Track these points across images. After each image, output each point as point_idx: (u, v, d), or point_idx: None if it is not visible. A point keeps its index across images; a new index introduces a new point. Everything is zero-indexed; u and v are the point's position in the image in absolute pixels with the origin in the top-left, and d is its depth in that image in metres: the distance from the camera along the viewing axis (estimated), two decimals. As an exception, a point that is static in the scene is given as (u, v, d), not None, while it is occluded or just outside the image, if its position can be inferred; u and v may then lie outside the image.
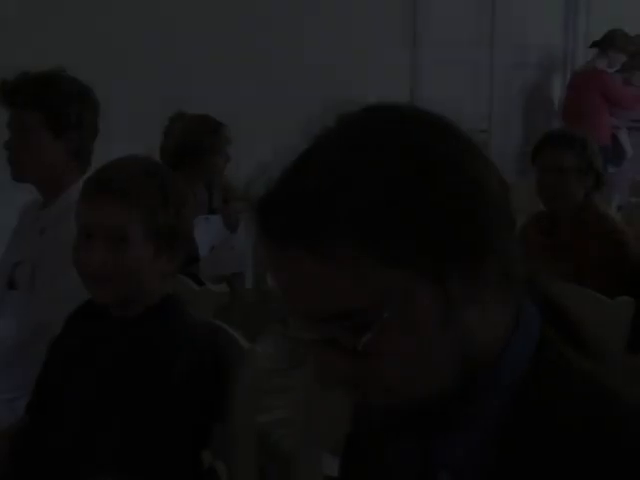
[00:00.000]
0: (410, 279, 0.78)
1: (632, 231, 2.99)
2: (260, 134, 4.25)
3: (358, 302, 0.79)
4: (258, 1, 4.84)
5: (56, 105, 2.22)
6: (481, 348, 0.83)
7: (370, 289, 0.78)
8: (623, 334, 2.15)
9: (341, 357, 0.82)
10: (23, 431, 1.75)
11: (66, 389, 1.66)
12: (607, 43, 5.78)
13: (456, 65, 5.60)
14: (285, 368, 2.78)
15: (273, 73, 4.88)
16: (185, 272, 2.37)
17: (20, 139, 2.26)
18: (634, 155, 5.93)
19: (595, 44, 5.87)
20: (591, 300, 2.23)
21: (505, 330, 0.86)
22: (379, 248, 0.77)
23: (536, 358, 0.85)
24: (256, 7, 4.83)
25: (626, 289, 2.57)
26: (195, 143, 3.47)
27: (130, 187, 1.58)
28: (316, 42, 5.00)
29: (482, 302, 0.82)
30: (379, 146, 0.80)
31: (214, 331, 1.72)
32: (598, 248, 2.85)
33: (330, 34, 5.05)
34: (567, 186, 2.92)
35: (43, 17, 4.03)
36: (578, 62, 6.11)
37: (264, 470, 2.26)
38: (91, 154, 2.33)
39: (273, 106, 4.73)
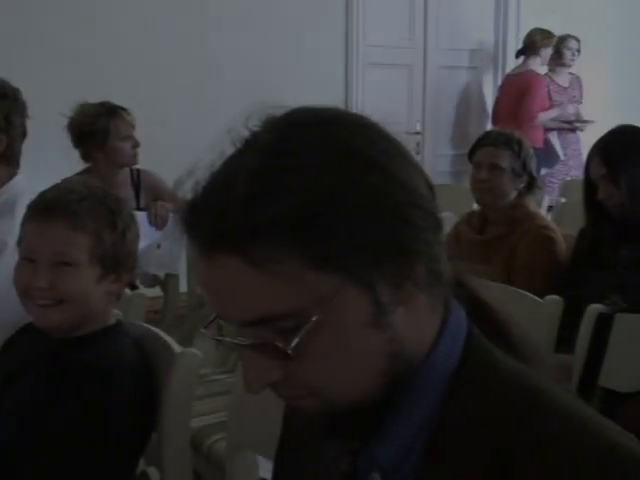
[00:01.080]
0: (339, 282, 0.79)
1: (561, 231, 3.06)
2: (190, 136, 4.23)
3: (287, 305, 0.79)
4: (194, 1, 4.82)
5: None
6: (410, 350, 0.84)
7: (299, 292, 0.78)
8: (552, 333, 2.19)
9: (271, 361, 0.82)
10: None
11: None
12: (529, 48, 5.89)
13: (389, 68, 5.64)
14: (220, 372, 2.77)
15: (204, 72, 4.86)
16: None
17: None
18: (566, 156, 6.04)
19: (519, 53, 5.98)
20: (521, 299, 2.26)
21: (433, 331, 0.87)
22: (307, 251, 0.77)
23: (463, 358, 0.86)
24: (192, 7, 4.81)
25: (555, 288, 2.62)
26: (91, 128, 3.45)
27: (76, 210, 1.56)
28: (249, 44, 4.99)
29: (411, 304, 0.83)
30: (304, 150, 0.80)
31: (145, 346, 1.70)
32: (528, 247, 2.89)
33: (264, 36, 5.05)
34: (501, 185, 2.97)
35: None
36: (510, 64, 6.20)
37: (199, 475, 2.25)
38: (19, 156, 2.29)
39: (204, 106, 4.71)
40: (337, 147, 0.81)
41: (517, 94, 5.80)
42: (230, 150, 0.83)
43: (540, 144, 5.83)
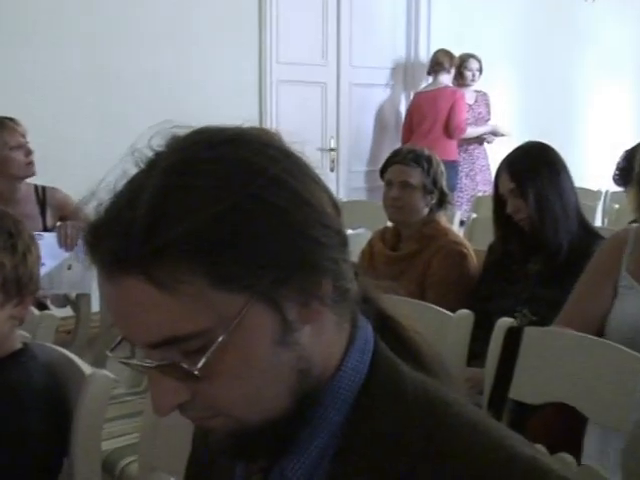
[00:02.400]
0: (245, 302, 0.79)
1: (473, 246, 3.11)
2: (99, 154, 4.18)
3: (193, 326, 0.78)
4: (101, 15, 4.75)
5: None
6: (318, 367, 0.85)
7: (205, 313, 0.78)
8: (463, 347, 2.22)
9: (178, 382, 0.81)
10: None
11: None
12: (438, 66, 6.01)
13: (303, 85, 5.67)
14: (133, 392, 2.73)
15: (114, 88, 4.80)
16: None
17: None
18: (473, 172, 6.16)
19: (430, 70, 6.09)
20: (432, 314, 2.29)
21: (341, 348, 0.87)
22: (211, 272, 0.77)
23: (370, 374, 0.87)
24: (99, 23, 4.74)
25: (467, 302, 2.66)
26: None
27: None
28: (161, 60, 4.95)
29: (318, 322, 0.84)
30: (207, 169, 0.80)
31: (55, 369, 1.67)
32: (440, 263, 2.93)
33: (176, 53, 5.02)
34: (412, 202, 2.99)
35: None
36: (423, 82, 6.30)
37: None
38: None
39: (113, 124, 4.65)
40: (240, 166, 0.81)
41: (434, 109, 5.90)
42: (133, 170, 0.83)
43: (456, 157, 5.94)
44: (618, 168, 3.47)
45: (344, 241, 0.86)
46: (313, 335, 0.83)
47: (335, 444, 0.85)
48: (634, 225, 2.32)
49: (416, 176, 2.98)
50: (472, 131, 6.11)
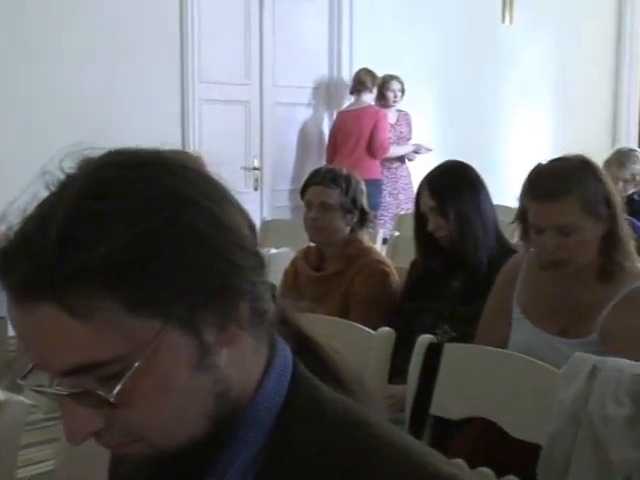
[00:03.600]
0: (161, 327, 0.78)
1: (396, 264, 3.14)
2: (15, 175, 4.10)
3: (108, 352, 0.77)
4: (22, 31, 4.68)
5: None
6: (236, 389, 0.84)
7: (119, 339, 0.77)
8: (385, 364, 2.24)
9: (93, 409, 0.80)
10: None
11: None
12: (360, 85, 6.07)
13: (226, 104, 5.66)
14: (51, 418, 2.68)
15: (33, 105, 4.72)
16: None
17: None
18: (396, 190, 6.22)
19: (353, 90, 6.15)
20: (354, 332, 2.30)
21: (260, 370, 0.87)
22: (125, 297, 0.76)
23: (289, 395, 0.87)
24: (15, 39, 4.67)
25: (389, 320, 2.68)
26: None
27: None
28: (84, 76, 4.89)
29: (236, 345, 0.83)
30: (121, 192, 0.78)
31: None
32: (363, 282, 2.95)
33: (96, 71, 4.96)
34: (331, 222, 3.00)
35: None
36: (345, 101, 6.35)
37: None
38: None
39: (30, 143, 4.57)
40: (155, 189, 0.80)
41: (357, 129, 5.94)
42: (45, 193, 0.81)
43: (379, 175, 5.99)
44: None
45: (261, 263, 0.86)
46: (231, 358, 0.83)
47: (255, 467, 0.85)
48: (529, 252, 2.36)
49: (335, 196, 2.99)
50: (395, 150, 6.18)
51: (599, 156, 2.61)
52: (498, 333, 2.32)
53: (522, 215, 2.24)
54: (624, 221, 2.22)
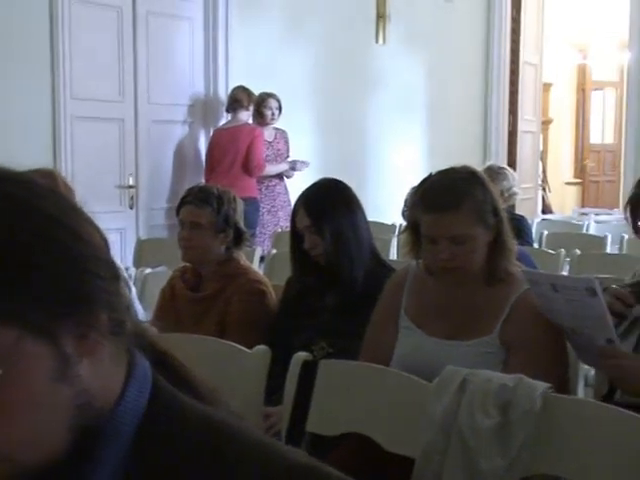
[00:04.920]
0: (18, 336, 0.77)
1: (274, 281, 3.14)
2: None
3: None
4: None
5: None
6: (98, 401, 0.84)
7: None
8: (261, 383, 2.24)
9: None
10: None
11: None
12: (236, 103, 6.08)
13: (100, 122, 5.56)
14: None
15: None
16: None
17: None
18: (275, 208, 6.25)
19: (229, 108, 6.16)
20: (230, 351, 2.29)
21: (120, 381, 0.87)
22: None
23: (151, 405, 0.87)
24: None
25: (267, 338, 2.68)
26: None
27: None
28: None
29: (96, 355, 0.83)
30: None
31: None
32: (240, 302, 2.93)
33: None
34: (202, 242, 2.98)
35: None
36: (222, 119, 6.34)
37: None
38: None
39: None
40: (15, 204, 0.80)
41: (234, 146, 5.94)
42: None
43: (255, 194, 6.00)
44: (406, 205, 3.62)
45: (117, 275, 0.87)
46: (92, 369, 0.82)
47: (120, 478, 0.84)
48: (413, 264, 2.43)
49: (206, 216, 2.97)
50: (271, 168, 6.21)
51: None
52: (385, 345, 2.36)
53: (413, 226, 2.30)
54: (509, 228, 2.32)
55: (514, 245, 2.34)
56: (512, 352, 2.18)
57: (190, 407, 0.88)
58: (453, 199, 2.20)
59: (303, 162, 6.35)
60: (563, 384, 2.22)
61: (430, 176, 2.33)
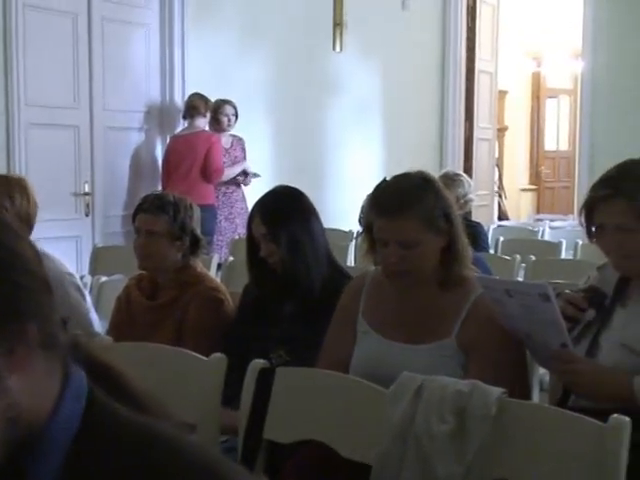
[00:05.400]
0: None
1: (231, 289, 3.13)
2: None
3: None
4: None
5: None
6: (30, 415, 0.83)
7: None
8: (217, 390, 2.23)
9: None
10: None
11: None
12: (193, 110, 6.06)
13: (54, 129, 5.51)
14: None
15: None
16: None
17: None
18: (232, 215, 6.23)
19: (185, 116, 6.14)
20: (186, 359, 2.28)
21: (54, 394, 0.86)
22: None
23: (86, 417, 0.86)
24: None
25: (224, 346, 2.67)
26: None
27: None
28: None
29: (26, 368, 0.82)
30: None
31: None
32: (197, 310, 2.92)
33: None
34: (158, 250, 2.96)
35: None
36: (179, 126, 6.31)
37: None
38: None
39: None
40: None
41: (191, 153, 5.92)
42: None
43: (213, 201, 5.98)
44: (362, 211, 3.64)
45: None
46: (22, 382, 0.82)
47: None
48: (371, 269, 2.45)
49: (162, 224, 2.95)
50: (229, 172, 6.20)
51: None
52: (343, 349, 2.37)
53: (369, 229, 2.33)
54: (463, 234, 2.34)
55: (469, 251, 2.36)
56: (470, 355, 2.20)
57: (127, 420, 0.87)
58: (403, 204, 2.23)
59: (255, 174, 6.36)
60: (524, 385, 2.25)
61: (384, 181, 2.36)
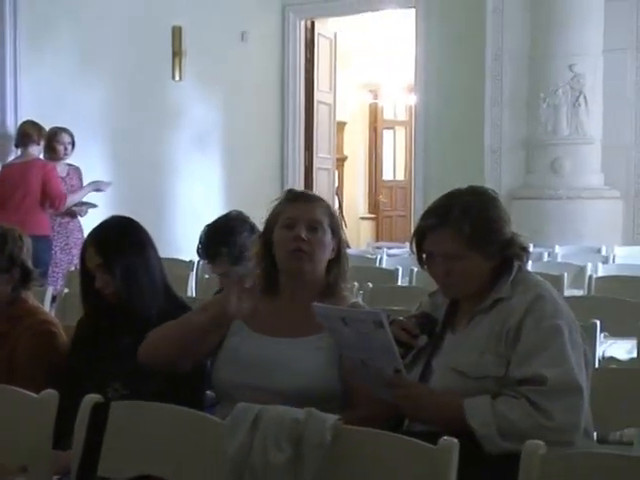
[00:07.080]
0: None
1: (66, 322, 3.04)
2: None
3: None
4: None
5: None
6: None
7: None
8: (47, 428, 2.15)
9: None
10: None
11: None
12: (26, 138, 5.90)
13: None
14: None
15: None
16: None
17: None
18: (68, 245, 6.08)
19: (17, 144, 5.96)
20: (16, 397, 2.20)
21: None
22: None
23: None
24: None
25: (57, 382, 2.59)
26: None
27: None
28: None
29: None
30: None
31: None
32: (28, 344, 2.82)
33: None
34: None
35: None
36: (10, 154, 6.12)
37: None
38: None
39: None
40: None
41: (24, 183, 5.74)
42: None
43: (48, 232, 5.82)
44: (200, 242, 3.61)
45: None
46: None
47: None
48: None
49: None
50: (74, 197, 6.05)
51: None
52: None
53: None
54: (345, 246, 2.60)
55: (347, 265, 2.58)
56: None
57: None
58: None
59: (107, 183, 6.25)
60: None
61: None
